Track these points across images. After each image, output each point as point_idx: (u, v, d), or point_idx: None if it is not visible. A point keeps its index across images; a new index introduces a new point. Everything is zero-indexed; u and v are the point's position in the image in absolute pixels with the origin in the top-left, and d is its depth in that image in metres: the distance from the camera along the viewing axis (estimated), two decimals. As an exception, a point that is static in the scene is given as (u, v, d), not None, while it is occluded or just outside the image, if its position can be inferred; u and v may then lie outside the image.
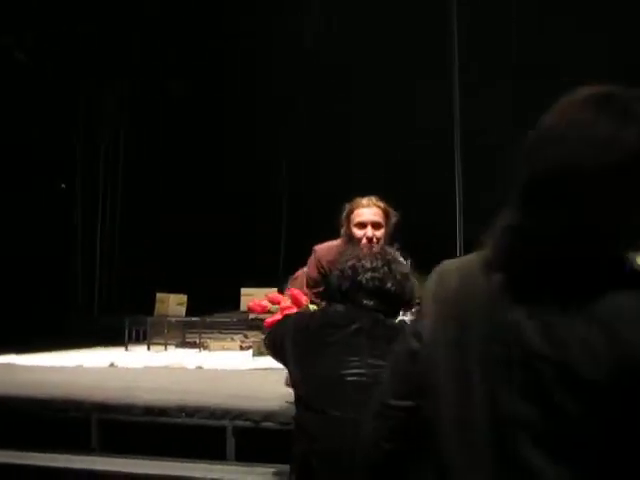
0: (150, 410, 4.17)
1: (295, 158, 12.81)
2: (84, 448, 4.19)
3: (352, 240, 3.58)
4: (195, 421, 4.11)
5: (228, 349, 9.19)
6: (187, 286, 10.70)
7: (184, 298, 10.48)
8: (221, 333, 10.77)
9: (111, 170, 13.22)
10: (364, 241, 3.50)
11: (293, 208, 12.92)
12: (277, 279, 10.44)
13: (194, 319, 10.37)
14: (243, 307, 10.28)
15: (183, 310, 10.43)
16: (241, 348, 9.22)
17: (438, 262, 1.29)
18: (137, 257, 12.68)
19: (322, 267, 3.64)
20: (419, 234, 6.50)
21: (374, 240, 3.50)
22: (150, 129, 13.09)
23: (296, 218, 12.51)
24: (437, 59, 10.54)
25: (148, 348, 9.65)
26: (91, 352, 8.76)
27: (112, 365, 7.23)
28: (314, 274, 3.69)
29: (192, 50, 12.63)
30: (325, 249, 3.71)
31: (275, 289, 10.42)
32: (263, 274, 10.52)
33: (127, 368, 7.03)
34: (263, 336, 9.80)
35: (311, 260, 3.78)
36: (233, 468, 3.92)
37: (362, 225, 3.57)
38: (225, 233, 12.46)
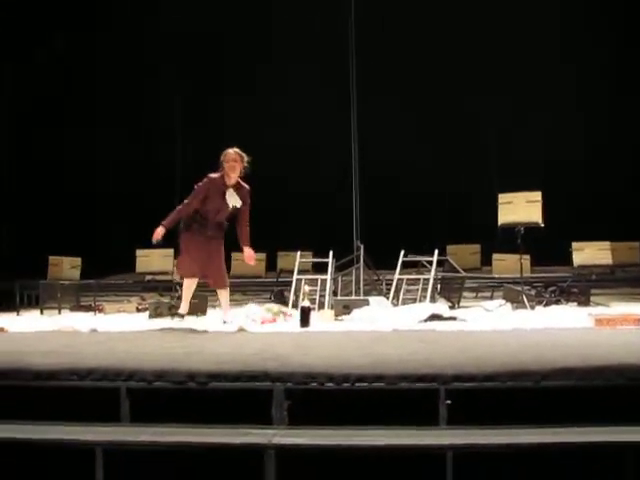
0: (39, 374, 4.06)
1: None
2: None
3: None
4: (87, 384, 4.03)
5: (124, 312, 9.05)
6: (81, 249, 10.44)
7: (78, 261, 10.22)
8: (117, 296, 10.60)
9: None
10: None
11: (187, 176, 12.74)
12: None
13: (89, 282, 10.14)
14: (139, 269, 10.12)
15: (77, 273, 10.18)
16: (137, 310, 9.10)
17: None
18: (28, 219, 12.23)
19: None
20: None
21: None
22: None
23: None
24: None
25: (41, 312, 9.39)
26: (-20, 318, 8.46)
27: (2, 330, 6.99)
28: None
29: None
30: None
31: (172, 250, 10.29)
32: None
33: (17, 332, 6.82)
34: (160, 298, 9.67)
35: None
36: (128, 430, 3.87)
37: None
38: (119, 193, 12.19)
